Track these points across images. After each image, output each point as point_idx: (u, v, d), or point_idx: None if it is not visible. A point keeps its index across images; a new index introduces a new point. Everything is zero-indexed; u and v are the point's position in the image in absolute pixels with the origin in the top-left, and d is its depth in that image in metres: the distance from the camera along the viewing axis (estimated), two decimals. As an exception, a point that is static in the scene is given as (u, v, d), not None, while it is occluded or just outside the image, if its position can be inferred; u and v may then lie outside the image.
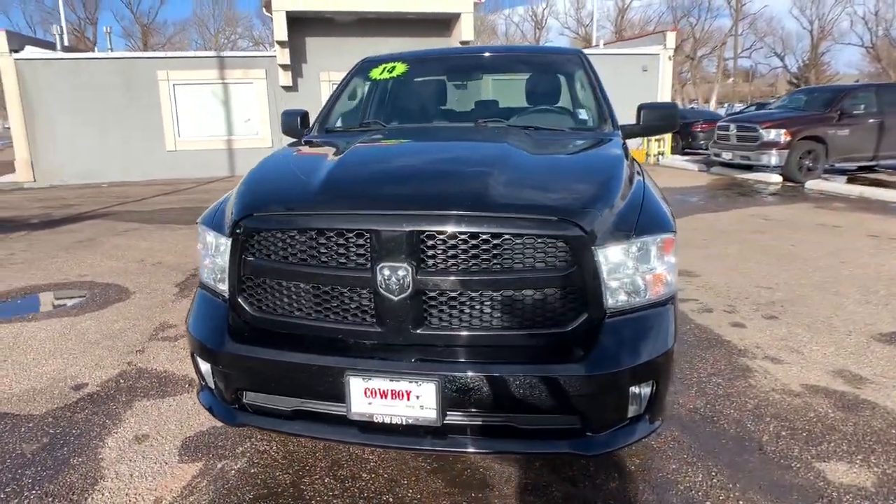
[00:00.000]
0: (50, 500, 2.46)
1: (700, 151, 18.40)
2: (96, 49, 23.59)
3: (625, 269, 2.11)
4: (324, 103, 3.92)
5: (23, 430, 3.01)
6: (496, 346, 2.07)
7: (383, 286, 2.02)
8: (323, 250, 2.10)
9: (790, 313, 4.51)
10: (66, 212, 10.25)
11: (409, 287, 2.00)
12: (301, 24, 15.58)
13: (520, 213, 2.02)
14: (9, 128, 14.86)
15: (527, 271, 2.01)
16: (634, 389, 2.10)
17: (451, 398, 2.01)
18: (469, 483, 2.54)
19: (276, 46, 15.44)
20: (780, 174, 12.41)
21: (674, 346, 2.19)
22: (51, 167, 14.95)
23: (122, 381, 3.57)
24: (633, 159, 2.96)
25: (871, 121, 12.34)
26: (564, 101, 3.82)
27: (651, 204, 2.32)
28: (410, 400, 2.01)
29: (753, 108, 24.65)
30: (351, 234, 2.05)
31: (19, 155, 14.73)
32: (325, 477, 2.59)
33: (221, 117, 16.20)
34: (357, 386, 2.03)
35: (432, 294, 2.04)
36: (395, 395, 2.02)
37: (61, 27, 18.71)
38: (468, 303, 2.05)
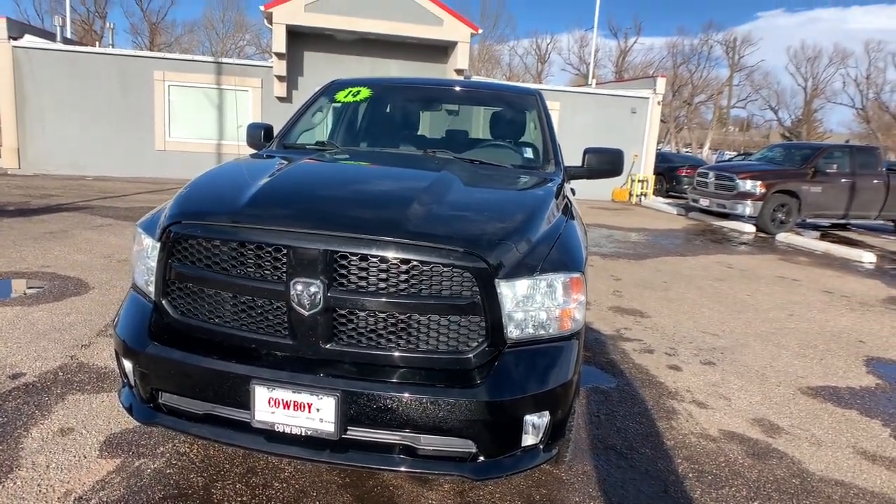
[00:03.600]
0: (-38, 484, 2.51)
1: (683, 195, 18.70)
2: (102, 43, 23.56)
3: (530, 303, 2.22)
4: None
5: (-50, 414, 3.06)
6: (399, 367, 2.17)
7: (295, 300, 2.11)
8: (243, 261, 2.20)
9: (728, 360, 4.64)
10: (45, 202, 10.27)
11: (319, 303, 2.10)
12: (301, 38, 15.83)
13: (429, 241, 2.12)
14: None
15: (433, 297, 2.11)
16: (530, 418, 2.20)
17: (350, 414, 2.10)
18: (377, 500, 2.61)
19: (274, 57, 15.64)
20: (754, 224, 12.68)
21: (574, 379, 2.30)
22: (37, 156, 14.95)
23: (60, 373, 3.61)
24: (567, 200, 3.09)
25: (843, 180, 12.70)
26: (516, 138, 3.96)
27: (565, 244, 2.44)
28: (311, 412, 2.10)
29: (741, 157, 25.18)
30: (269, 249, 2.15)
31: (7, 142, 14.73)
32: (237, 483, 2.66)
33: (213, 122, 16.31)
34: (261, 395, 2.11)
35: (342, 312, 2.14)
36: (297, 406, 2.11)
37: (63, 18, 18.83)
38: (376, 323, 2.15)
